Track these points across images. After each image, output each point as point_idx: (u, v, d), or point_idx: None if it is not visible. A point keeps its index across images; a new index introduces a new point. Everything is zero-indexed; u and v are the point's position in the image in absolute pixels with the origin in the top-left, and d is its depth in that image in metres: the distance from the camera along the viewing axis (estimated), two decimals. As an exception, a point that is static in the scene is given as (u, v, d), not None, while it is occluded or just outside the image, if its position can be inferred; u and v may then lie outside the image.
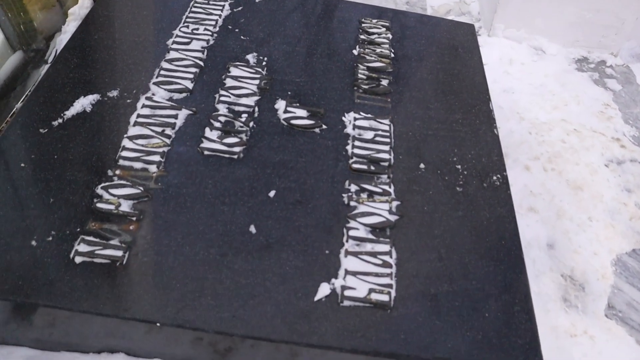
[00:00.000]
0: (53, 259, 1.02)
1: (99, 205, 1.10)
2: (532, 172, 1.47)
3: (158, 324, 0.97)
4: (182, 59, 1.45)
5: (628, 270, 1.33)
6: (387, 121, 1.39)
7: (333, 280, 1.06)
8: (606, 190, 1.47)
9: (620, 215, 1.43)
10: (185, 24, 1.56)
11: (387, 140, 1.34)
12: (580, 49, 2.03)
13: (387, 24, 1.71)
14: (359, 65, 1.54)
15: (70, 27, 1.80)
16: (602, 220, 1.40)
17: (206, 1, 1.66)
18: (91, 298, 0.98)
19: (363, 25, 1.69)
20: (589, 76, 1.91)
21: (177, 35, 1.52)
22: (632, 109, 1.80)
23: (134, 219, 1.10)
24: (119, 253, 1.03)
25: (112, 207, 1.10)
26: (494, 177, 1.31)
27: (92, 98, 1.31)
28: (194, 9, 1.63)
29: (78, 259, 1.02)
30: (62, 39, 1.77)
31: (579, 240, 1.35)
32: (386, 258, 1.11)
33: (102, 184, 1.14)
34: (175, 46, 1.49)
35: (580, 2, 1.90)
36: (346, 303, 1.03)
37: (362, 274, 1.08)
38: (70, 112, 1.27)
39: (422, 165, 1.30)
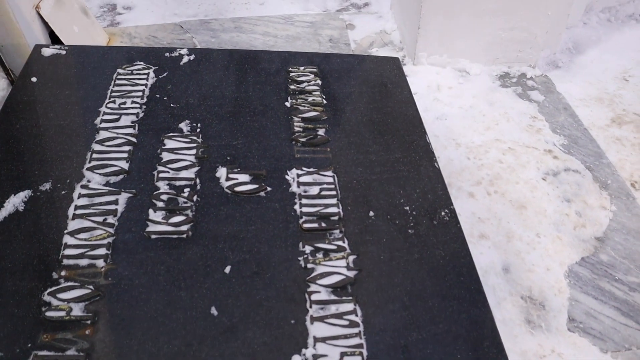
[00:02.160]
0: (6, 384, 0.96)
1: (48, 313, 1.05)
2: (477, 198, 1.51)
3: None
4: (114, 138, 1.41)
5: (581, 280, 1.39)
6: (330, 172, 1.39)
7: (303, 350, 1.04)
8: (547, 204, 1.53)
9: (565, 227, 1.49)
10: (112, 99, 1.52)
11: (334, 192, 1.34)
12: (501, 65, 2.12)
13: (314, 70, 1.73)
14: (294, 117, 1.54)
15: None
16: (549, 235, 1.46)
17: (129, 72, 1.62)
18: (53, 420, 0.93)
19: (291, 74, 1.70)
20: (512, 91, 2.00)
21: (105, 113, 1.48)
22: (557, 118, 1.89)
23: (89, 322, 1.05)
24: (77, 364, 0.98)
25: (63, 313, 1.05)
26: (442, 213, 1.34)
27: (24, 195, 1.25)
28: (117, 82, 1.59)
29: (34, 379, 0.96)
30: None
31: (531, 258, 1.40)
32: (352, 317, 1.10)
33: (49, 290, 1.08)
34: (104, 125, 1.45)
35: (495, 23, 1.99)
36: (320, 373, 1.02)
37: (331, 338, 1.07)
38: (1, 215, 1.21)
39: (371, 213, 1.31)
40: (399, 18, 2.27)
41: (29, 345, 1.00)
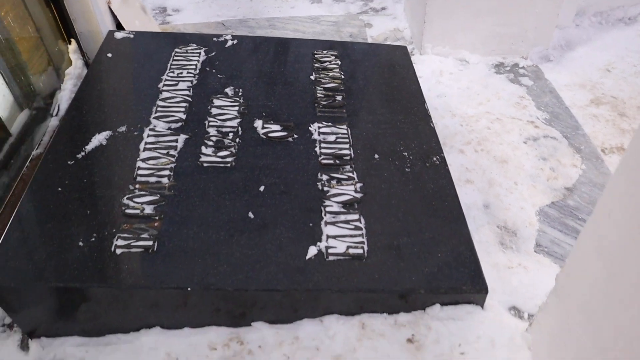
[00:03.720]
0: (99, 253, 1.30)
1: (127, 211, 1.40)
2: (466, 154, 1.82)
3: (189, 289, 1.25)
4: (173, 97, 1.77)
5: (549, 217, 1.68)
6: (344, 126, 1.73)
7: (318, 243, 1.37)
8: (526, 161, 1.83)
9: (539, 178, 1.78)
10: (171, 70, 1.89)
11: (347, 140, 1.67)
12: (497, 56, 2.44)
13: (335, 53, 2.07)
14: (317, 87, 1.89)
15: (68, 85, 2.11)
16: (525, 184, 1.75)
17: (185, 51, 2.00)
18: (133, 277, 1.26)
19: (316, 56, 2.05)
20: (505, 77, 2.31)
21: (166, 80, 1.85)
22: (543, 99, 2.19)
23: (157, 218, 1.39)
24: (150, 243, 1.32)
25: (138, 211, 1.40)
26: (434, 158, 1.66)
27: (106, 134, 1.62)
28: (175, 58, 1.96)
29: (118, 251, 1.30)
30: (62, 96, 2.07)
31: (508, 200, 1.69)
32: (357, 223, 1.42)
33: (127, 196, 1.43)
34: (165, 88, 1.81)
35: (491, 19, 2.32)
36: (330, 258, 1.34)
37: (340, 236, 1.39)
38: (89, 147, 1.57)
39: (376, 156, 1.64)
40: (409, 18, 2.62)
41: (114, 230, 1.35)
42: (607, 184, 0.95)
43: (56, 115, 2.02)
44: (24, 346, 1.38)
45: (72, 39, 2.17)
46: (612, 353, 0.94)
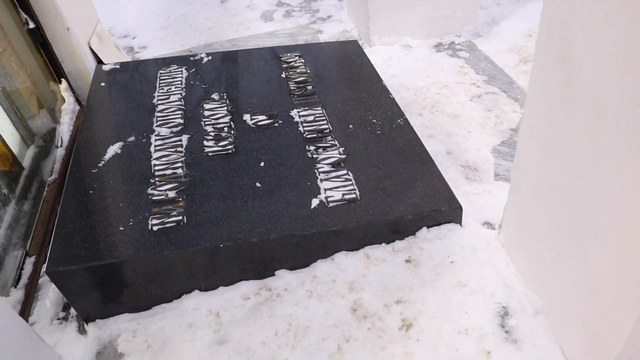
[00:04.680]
0: (138, 232, 1.54)
1: (154, 198, 1.65)
2: (424, 116, 2.15)
3: (221, 245, 1.51)
4: (169, 108, 2.04)
5: (502, 153, 2.00)
6: (319, 108, 2.03)
7: (318, 196, 1.65)
8: (474, 113, 2.17)
9: (488, 125, 2.12)
10: (161, 87, 2.16)
11: (323, 118, 1.97)
12: (435, 38, 2.81)
13: (298, 54, 2.39)
14: (289, 82, 2.19)
15: (65, 119, 2.34)
16: (477, 131, 2.09)
17: (168, 71, 2.27)
18: (172, 244, 1.51)
19: (282, 59, 2.36)
20: (445, 53, 2.67)
21: (159, 95, 2.12)
22: (479, 65, 2.55)
23: (180, 199, 1.64)
24: (180, 217, 1.57)
25: (163, 197, 1.65)
26: (398, 120, 1.97)
27: (118, 145, 1.87)
28: (162, 78, 2.23)
29: (155, 228, 1.55)
30: (62, 129, 2.30)
31: (466, 145, 2.02)
32: (346, 176, 1.71)
33: (150, 187, 1.69)
34: (159, 102, 2.08)
35: (424, 7, 2.70)
36: (331, 205, 1.62)
37: (335, 188, 1.67)
38: (107, 156, 1.82)
39: (350, 126, 1.94)
40: (354, 19, 2.99)
41: (147, 214, 1.59)
42: (528, 90, 1.27)
43: (61, 146, 2.25)
44: (82, 331, 1.59)
45: (62, 79, 2.41)
46: (560, 220, 1.25)
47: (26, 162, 2.12)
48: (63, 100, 2.42)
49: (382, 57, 2.64)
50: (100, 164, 1.79)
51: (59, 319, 1.65)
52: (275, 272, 1.63)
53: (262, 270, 1.62)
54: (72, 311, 1.64)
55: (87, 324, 1.60)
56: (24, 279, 1.69)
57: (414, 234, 1.66)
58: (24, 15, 2.21)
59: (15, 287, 1.66)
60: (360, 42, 2.68)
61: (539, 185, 1.33)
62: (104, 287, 1.54)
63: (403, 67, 2.54)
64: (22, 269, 1.71)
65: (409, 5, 2.66)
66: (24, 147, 2.17)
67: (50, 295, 1.68)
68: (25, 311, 1.63)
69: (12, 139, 2.09)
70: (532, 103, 1.27)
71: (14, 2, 2.20)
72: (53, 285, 1.66)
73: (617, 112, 0.95)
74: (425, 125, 2.10)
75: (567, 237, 1.23)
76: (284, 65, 2.31)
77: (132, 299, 1.59)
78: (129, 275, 1.53)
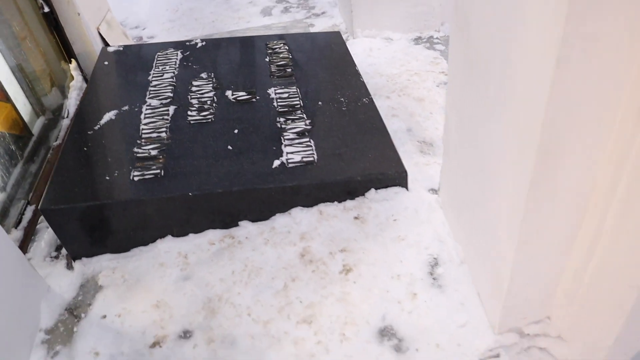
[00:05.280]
0: (122, 181, 1.79)
1: (138, 155, 1.89)
2: (392, 99, 2.36)
3: (190, 194, 1.74)
4: (161, 84, 2.29)
5: (457, 133, 2.21)
6: (294, 87, 2.25)
7: (280, 157, 1.87)
8: (439, 97, 2.37)
9: (449, 109, 2.33)
10: (157, 67, 2.42)
11: (297, 95, 2.20)
12: (415, 32, 3.03)
13: (283, 42, 2.62)
14: (271, 65, 2.43)
15: (72, 95, 2.61)
16: (439, 113, 2.29)
17: (165, 53, 2.53)
18: (149, 192, 1.75)
19: (268, 46, 2.60)
20: (423, 46, 2.89)
21: (154, 73, 2.37)
22: (452, 57, 2.76)
23: (161, 157, 1.89)
24: (158, 171, 1.81)
25: (146, 154, 1.90)
26: (364, 99, 2.18)
27: (114, 112, 2.12)
28: (159, 59, 2.49)
29: (136, 178, 1.79)
30: (69, 103, 2.58)
31: (426, 124, 2.22)
32: (308, 143, 1.94)
33: (136, 147, 1.93)
34: (154, 78, 2.33)
35: (405, 3, 2.92)
36: (290, 165, 1.84)
37: (296, 152, 1.90)
38: (103, 121, 2.07)
39: (320, 103, 2.16)
40: (343, 14, 3.23)
41: (130, 167, 1.84)
42: (448, 62, 1.48)
43: (67, 117, 2.52)
44: (69, 267, 1.84)
45: (72, 59, 2.69)
46: (470, 174, 1.45)
47: (35, 129, 2.39)
48: (72, 78, 2.69)
49: (363, 47, 2.87)
50: (96, 127, 2.05)
51: (51, 257, 1.90)
52: (239, 223, 1.85)
53: (228, 221, 1.85)
54: (63, 251, 1.88)
55: (74, 261, 1.84)
56: (24, 222, 1.95)
57: (364, 194, 1.87)
58: (40, 1, 2.50)
59: (16, 229, 1.92)
60: (345, 35, 2.91)
61: (458, 146, 1.53)
62: (90, 228, 1.78)
63: (381, 57, 2.76)
64: (23, 214, 1.97)
65: (392, 0, 2.89)
66: (34, 117, 2.44)
67: (45, 237, 1.93)
68: (22, 249, 1.88)
69: (25, 109, 2.36)
70: (452, 72, 1.48)
71: (31, -13, 2.49)
72: (48, 229, 1.91)
73: (498, 73, 1.16)
74: (391, 106, 2.31)
75: (476, 189, 1.44)
76: (269, 51, 2.55)
77: (114, 241, 1.82)
78: (111, 217, 1.77)
